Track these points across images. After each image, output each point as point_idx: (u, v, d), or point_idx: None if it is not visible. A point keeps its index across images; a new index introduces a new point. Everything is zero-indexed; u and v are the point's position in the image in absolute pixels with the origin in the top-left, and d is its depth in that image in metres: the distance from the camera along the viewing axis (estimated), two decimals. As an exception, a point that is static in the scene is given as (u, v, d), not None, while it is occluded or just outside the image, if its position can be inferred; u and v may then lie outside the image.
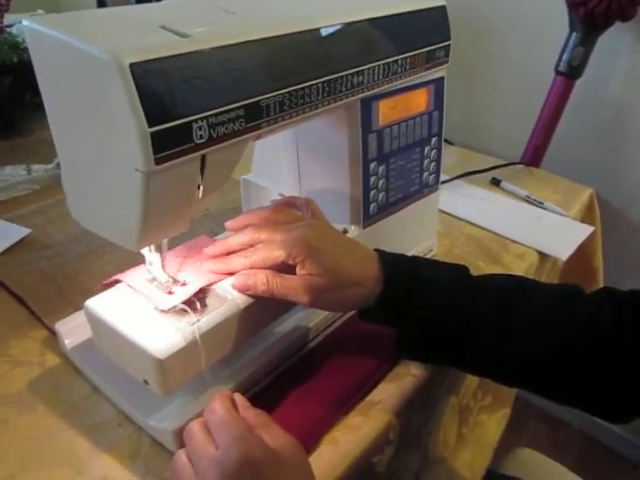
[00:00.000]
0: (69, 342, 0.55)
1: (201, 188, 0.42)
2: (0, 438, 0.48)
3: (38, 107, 1.01)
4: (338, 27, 0.48)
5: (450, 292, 0.50)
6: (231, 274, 0.49)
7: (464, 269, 0.53)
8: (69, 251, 0.71)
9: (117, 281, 0.49)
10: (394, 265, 0.50)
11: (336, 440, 0.49)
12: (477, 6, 1.18)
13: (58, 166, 0.89)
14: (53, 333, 0.57)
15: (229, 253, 0.50)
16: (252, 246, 0.49)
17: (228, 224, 0.53)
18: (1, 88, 0.96)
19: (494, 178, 0.99)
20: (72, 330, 0.55)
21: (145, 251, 0.48)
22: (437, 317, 0.49)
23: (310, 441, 0.48)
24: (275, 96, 0.42)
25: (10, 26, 1.08)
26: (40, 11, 1.58)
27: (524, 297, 0.51)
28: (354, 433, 0.50)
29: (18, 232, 0.74)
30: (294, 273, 0.47)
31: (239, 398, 0.44)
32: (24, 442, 0.48)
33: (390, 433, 0.52)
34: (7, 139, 1.00)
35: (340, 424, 0.51)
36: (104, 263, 0.69)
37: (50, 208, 0.81)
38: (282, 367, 0.54)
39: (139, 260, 0.49)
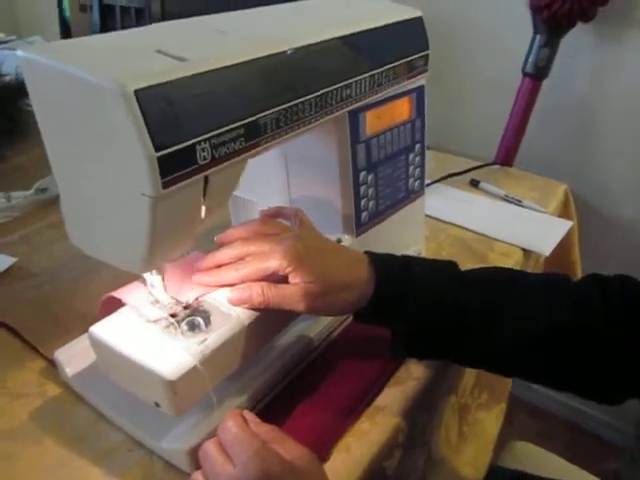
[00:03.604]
0: (70, 370, 0.54)
1: (204, 208, 0.42)
2: (7, 475, 0.47)
3: (13, 134, 1.00)
4: (326, 43, 0.49)
5: (442, 287, 0.51)
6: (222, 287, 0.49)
7: (454, 264, 0.54)
8: (58, 278, 0.70)
9: (115, 299, 0.49)
10: (385, 266, 0.51)
11: (348, 447, 0.50)
12: (443, 13, 1.21)
13: (37, 192, 0.87)
14: (51, 362, 0.56)
15: (219, 267, 0.50)
16: (242, 259, 0.50)
17: (217, 238, 0.53)
18: (-28, 116, 0.94)
19: (473, 179, 1.01)
20: (72, 358, 0.54)
21: (146, 274, 0.48)
22: (430, 313, 0.50)
23: (322, 451, 0.49)
24: (271, 113, 0.43)
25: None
26: (1, 34, 1.56)
27: (511, 286, 0.52)
28: (364, 439, 0.51)
29: (4, 262, 0.73)
30: (284, 283, 0.48)
31: (249, 415, 0.44)
32: (34, 476, 0.47)
33: (399, 436, 0.53)
34: (-17, 167, 0.98)
35: (351, 431, 0.51)
36: (95, 287, 0.68)
37: (33, 235, 0.79)
38: (288, 378, 0.55)
39: (131, 279, 0.49)
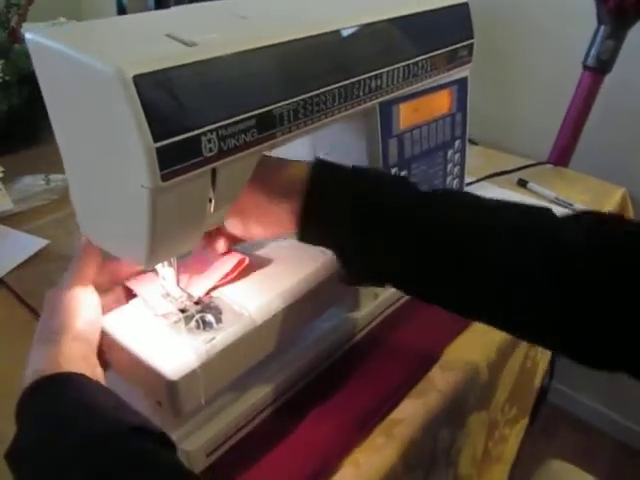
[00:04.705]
0: (84, 358, 0.54)
1: (212, 202, 0.40)
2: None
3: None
4: (354, 29, 0.45)
5: (388, 190, 0.44)
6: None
7: (408, 180, 0.46)
8: (86, 263, 0.71)
9: (129, 290, 0.48)
10: (321, 173, 0.45)
11: (357, 462, 0.47)
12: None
13: (76, 175, 0.88)
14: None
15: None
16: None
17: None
18: (20, 98, 0.96)
19: (521, 179, 0.95)
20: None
21: (158, 265, 0.46)
22: (371, 220, 0.42)
23: (330, 462, 0.46)
24: (289, 104, 0.40)
25: (29, 35, 1.08)
26: (62, 19, 1.59)
27: (476, 209, 0.43)
28: (376, 455, 0.48)
29: (37, 243, 0.74)
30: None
31: None
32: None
33: (418, 454, 0.50)
34: (26, 149, 1.00)
35: (362, 445, 0.48)
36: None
37: (68, 219, 0.80)
38: (301, 384, 0.53)
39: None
